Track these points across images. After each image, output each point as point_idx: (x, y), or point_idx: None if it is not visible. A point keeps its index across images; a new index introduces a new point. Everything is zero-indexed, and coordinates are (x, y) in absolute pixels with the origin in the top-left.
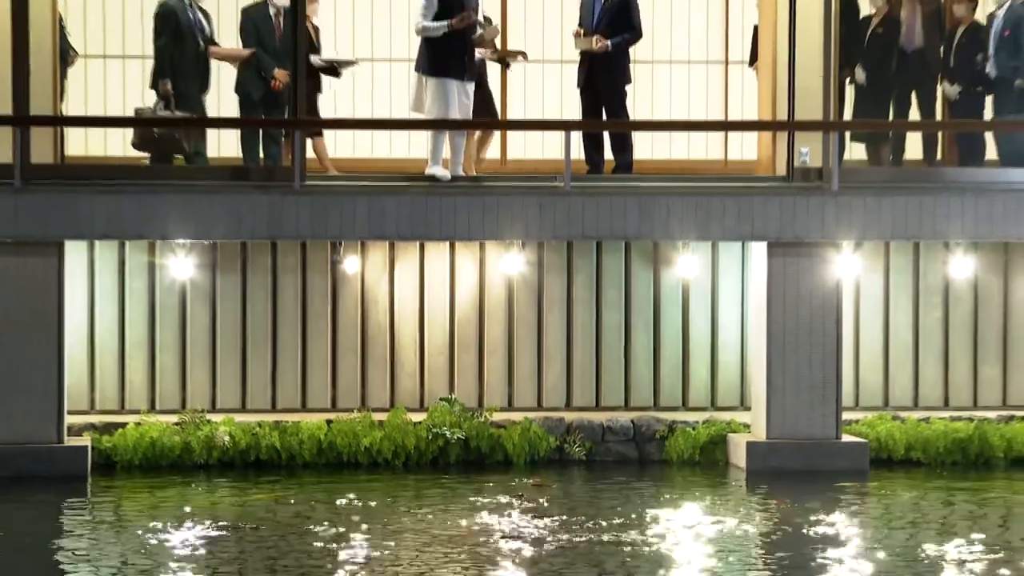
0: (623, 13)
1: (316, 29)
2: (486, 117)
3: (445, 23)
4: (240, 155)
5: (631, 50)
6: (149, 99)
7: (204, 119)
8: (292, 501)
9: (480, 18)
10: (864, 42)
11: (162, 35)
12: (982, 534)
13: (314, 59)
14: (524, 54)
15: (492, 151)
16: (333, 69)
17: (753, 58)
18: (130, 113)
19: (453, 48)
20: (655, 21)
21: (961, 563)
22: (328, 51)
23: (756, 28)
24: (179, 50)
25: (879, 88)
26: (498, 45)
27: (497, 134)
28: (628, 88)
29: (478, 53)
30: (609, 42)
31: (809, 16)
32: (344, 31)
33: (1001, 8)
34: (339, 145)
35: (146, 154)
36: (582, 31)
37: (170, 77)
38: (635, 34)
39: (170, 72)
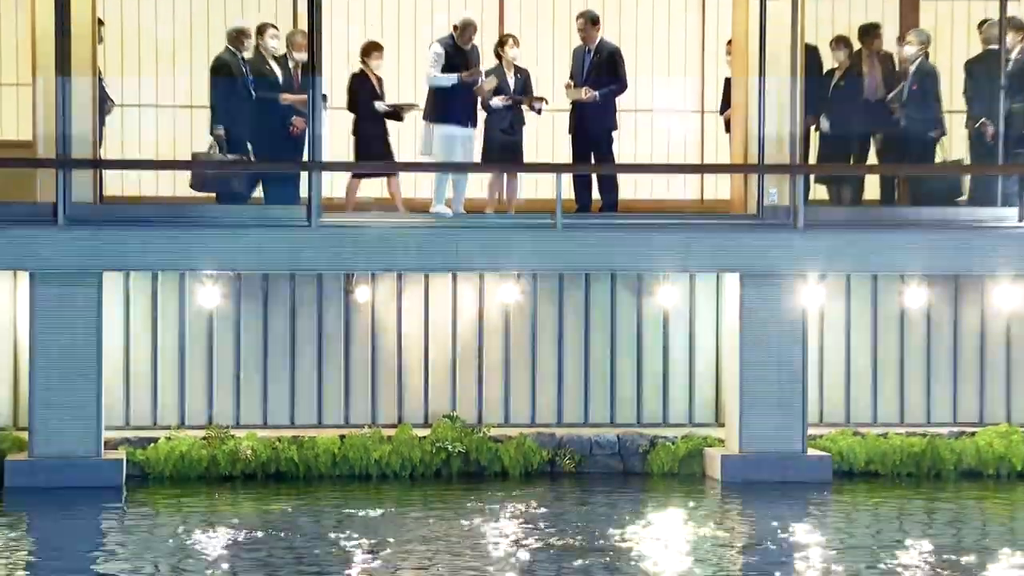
0: (610, 66)
1: (379, 80)
2: (515, 162)
3: (455, 76)
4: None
5: (617, 99)
6: (182, 143)
7: (232, 161)
8: (310, 509)
9: (510, 79)
10: (829, 94)
11: (216, 86)
12: (935, 538)
13: (379, 105)
14: (544, 99)
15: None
16: (396, 114)
17: (723, 107)
18: (163, 157)
19: (458, 99)
20: (638, 74)
21: (916, 565)
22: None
23: (727, 80)
24: (232, 99)
25: (841, 136)
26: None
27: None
28: (615, 134)
29: (499, 101)
30: (597, 92)
31: (778, 70)
32: None
33: (912, 64)
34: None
35: (209, 194)
36: (572, 83)
37: (224, 124)
38: (620, 85)
39: (226, 119)
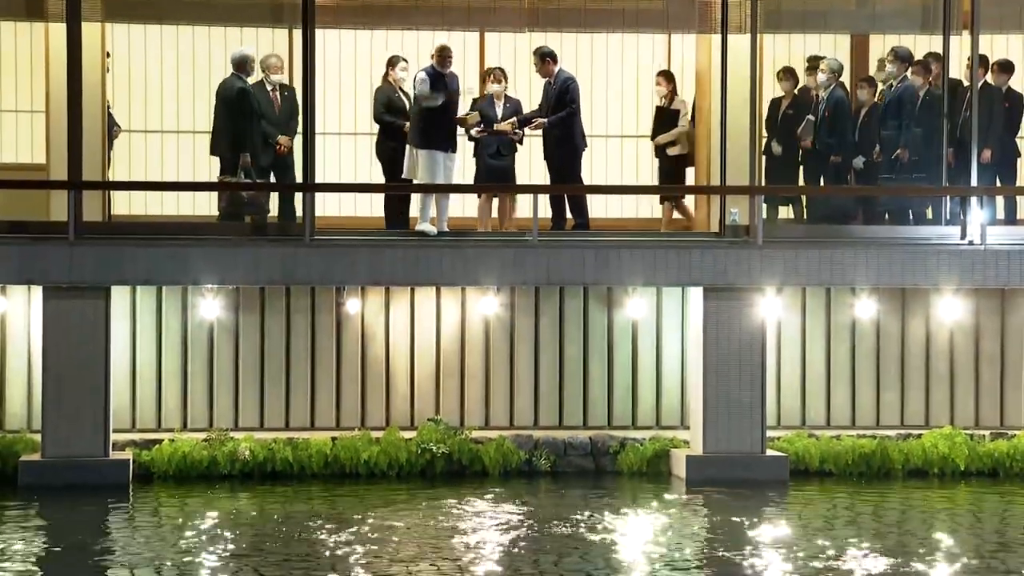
0: (561, 96)
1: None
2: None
3: (441, 95)
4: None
5: (582, 123)
6: (184, 165)
7: (223, 183)
8: (304, 505)
9: (499, 108)
10: (778, 120)
11: (236, 114)
12: (883, 533)
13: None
14: (521, 131)
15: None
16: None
17: (654, 134)
18: (167, 178)
19: (441, 125)
20: (609, 103)
21: (865, 558)
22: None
23: (658, 109)
24: (246, 126)
25: (792, 159)
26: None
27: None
28: (584, 155)
29: (475, 133)
30: (517, 126)
31: (737, 98)
32: (348, 111)
33: (826, 91)
34: (343, 206)
35: (243, 220)
36: (506, 122)
37: (249, 151)
38: (572, 109)
39: (249, 147)
